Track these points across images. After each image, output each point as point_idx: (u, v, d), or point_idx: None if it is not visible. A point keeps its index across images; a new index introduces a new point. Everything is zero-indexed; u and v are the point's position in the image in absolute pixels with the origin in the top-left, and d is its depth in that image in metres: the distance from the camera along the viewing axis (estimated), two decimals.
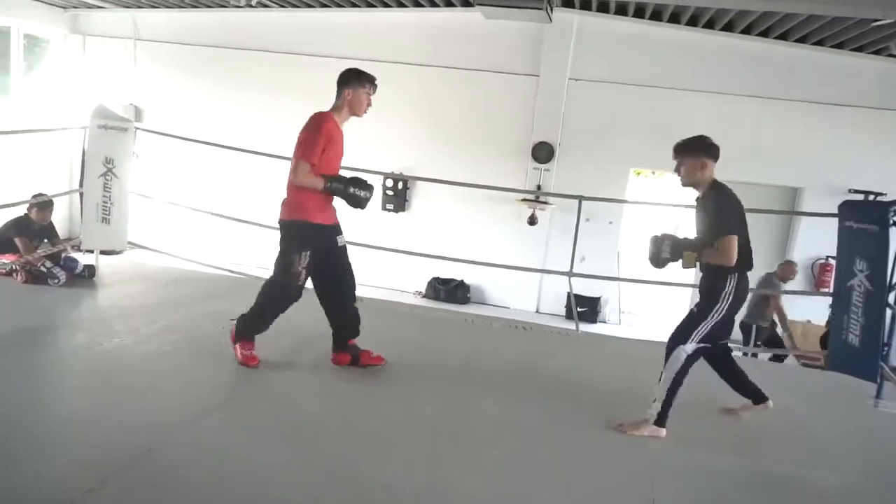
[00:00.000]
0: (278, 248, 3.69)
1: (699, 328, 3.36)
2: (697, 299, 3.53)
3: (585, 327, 9.13)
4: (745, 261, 3.38)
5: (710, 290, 3.41)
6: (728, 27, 8.73)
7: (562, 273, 5.19)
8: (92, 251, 5.59)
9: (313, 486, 2.64)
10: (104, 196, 5.43)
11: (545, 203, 9.51)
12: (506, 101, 9.75)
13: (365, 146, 9.89)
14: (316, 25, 10.12)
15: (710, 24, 8.80)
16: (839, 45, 8.55)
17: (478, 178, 8.60)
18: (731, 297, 3.37)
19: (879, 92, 8.77)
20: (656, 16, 8.92)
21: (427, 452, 3.01)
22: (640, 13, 8.97)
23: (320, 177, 3.58)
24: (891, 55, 7.94)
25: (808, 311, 8.73)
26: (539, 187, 9.42)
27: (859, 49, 8.50)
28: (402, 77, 9.92)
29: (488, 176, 9.08)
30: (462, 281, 10.00)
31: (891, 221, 4.02)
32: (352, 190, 3.69)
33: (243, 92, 10.48)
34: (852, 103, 8.87)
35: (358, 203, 3.77)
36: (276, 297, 3.71)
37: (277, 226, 3.72)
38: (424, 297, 10.05)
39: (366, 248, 6.46)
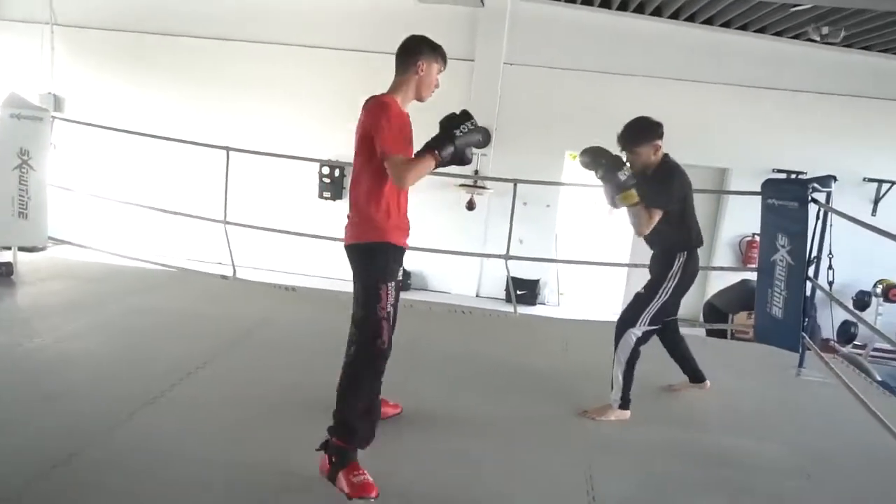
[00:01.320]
0: (355, 280, 2.69)
1: (647, 309, 3.35)
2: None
3: (524, 309, 9.23)
4: (695, 239, 3.42)
5: (656, 269, 3.43)
6: (657, 12, 8.91)
7: (498, 256, 5.22)
8: (9, 248, 5.30)
9: (244, 485, 2.58)
10: (20, 189, 5.14)
11: (483, 188, 9.55)
12: (441, 87, 9.57)
13: (299, 133, 9.74)
14: (244, 10, 9.83)
15: (639, 9, 8.96)
16: (761, 30, 8.85)
17: None
18: (678, 277, 3.36)
19: (799, 75, 9.11)
20: (588, 1, 9.03)
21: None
22: None
23: (418, 157, 2.67)
24: (809, 39, 8.25)
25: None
26: (476, 172, 9.44)
27: (780, 33, 8.82)
28: (335, 62, 9.76)
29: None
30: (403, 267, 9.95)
31: (809, 198, 4.19)
32: (464, 136, 2.70)
33: (167, 79, 10.09)
34: (774, 86, 9.19)
35: (478, 144, 2.82)
36: (370, 359, 2.63)
37: (346, 253, 2.76)
38: None
39: (304, 238, 6.36)
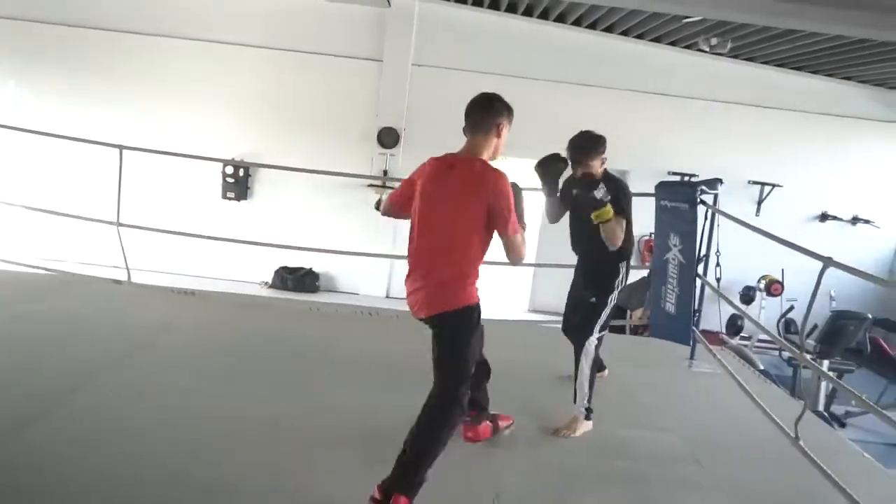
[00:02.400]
0: (448, 346, 2.70)
1: (600, 318, 3.48)
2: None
3: None
4: (631, 247, 3.65)
5: (604, 279, 3.53)
6: (561, 18, 9.17)
7: (405, 257, 5.20)
8: None
9: (146, 493, 2.46)
10: None
11: (392, 188, 9.51)
12: (350, 86, 9.60)
13: (201, 132, 9.37)
14: (145, 2, 9.38)
15: (544, 15, 9.20)
16: (657, 39, 9.29)
17: (323, 163, 8.41)
18: (622, 283, 3.57)
19: (691, 83, 9.63)
20: (494, 5, 9.18)
21: (271, 452, 2.89)
22: (478, 2, 9.18)
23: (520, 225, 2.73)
24: (700, 49, 8.73)
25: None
26: (385, 172, 9.41)
27: (674, 43, 9.29)
28: (240, 60, 9.46)
29: (334, 162, 8.91)
30: (310, 269, 9.78)
31: (698, 200, 4.43)
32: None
33: (55, 72, 9.47)
34: (669, 92, 9.67)
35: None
36: (453, 421, 2.66)
37: (441, 318, 2.72)
38: (271, 287, 9.72)
39: (205, 240, 6.13)
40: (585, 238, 3.59)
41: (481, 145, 2.81)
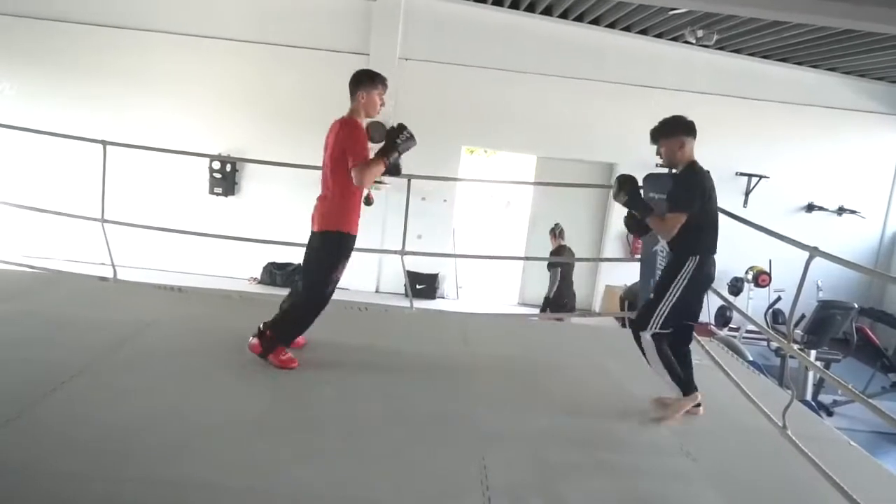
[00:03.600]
0: (315, 256, 3.70)
1: (656, 313, 3.38)
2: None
3: (424, 304, 9.28)
4: (709, 245, 3.41)
5: (667, 272, 3.43)
6: (547, 11, 9.16)
7: (394, 252, 5.20)
8: None
9: (125, 492, 2.43)
10: None
11: (380, 183, 9.45)
12: (337, 80, 9.43)
13: (188, 128, 9.30)
14: None
15: (531, 8, 9.19)
16: (644, 31, 9.30)
17: (311, 158, 8.35)
18: (686, 280, 3.35)
19: (678, 75, 9.66)
20: None
21: (254, 449, 2.87)
22: None
23: (371, 162, 3.57)
24: (686, 42, 8.75)
25: (625, 276, 9.51)
26: None
27: (660, 35, 9.30)
28: (227, 55, 9.41)
29: (321, 156, 8.88)
30: (299, 265, 9.69)
31: None
32: (399, 141, 3.66)
33: (36, 67, 9.36)
34: (656, 84, 9.70)
35: (412, 143, 3.73)
36: (315, 304, 3.69)
37: (313, 235, 3.73)
38: (260, 282, 9.69)
39: (192, 236, 6.08)
40: None
41: (352, 109, 3.76)
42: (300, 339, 3.88)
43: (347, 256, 3.75)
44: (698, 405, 3.55)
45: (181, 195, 9.50)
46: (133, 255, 8.21)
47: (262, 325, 3.66)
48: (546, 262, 8.21)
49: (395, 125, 3.74)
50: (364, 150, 3.59)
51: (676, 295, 3.37)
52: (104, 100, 9.33)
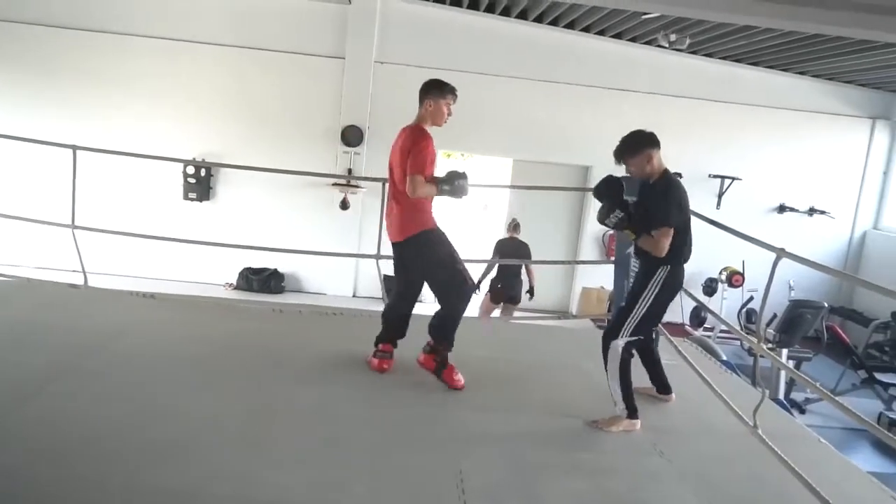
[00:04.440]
0: (423, 264, 3.73)
1: (628, 321, 3.39)
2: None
3: None
4: (679, 252, 3.39)
5: (639, 280, 3.45)
6: (522, 15, 9.22)
7: (369, 256, 5.19)
8: None
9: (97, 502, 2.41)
10: None
11: (357, 187, 9.47)
12: (312, 84, 9.51)
13: (161, 132, 9.19)
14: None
15: (506, 12, 9.24)
16: (618, 35, 9.39)
17: (287, 162, 8.33)
18: (657, 288, 3.37)
19: (651, 78, 9.76)
20: (456, 2, 9.18)
21: (233, 456, 2.85)
22: None
23: (427, 181, 3.61)
24: (659, 45, 8.85)
25: (600, 278, 9.60)
26: (350, 171, 9.36)
27: (634, 39, 9.40)
28: (202, 58, 9.31)
29: (297, 161, 8.84)
30: (275, 270, 9.68)
31: None
32: (457, 183, 3.68)
33: (4, 70, 9.20)
34: (630, 88, 9.79)
35: (464, 192, 3.73)
36: (465, 296, 3.73)
37: (401, 245, 3.74)
38: (236, 288, 9.60)
39: (167, 242, 6.02)
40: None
41: (419, 116, 3.82)
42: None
43: (447, 241, 3.76)
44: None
45: (155, 201, 9.39)
46: (105, 262, 8.11)
47: (429, 343, 3.81)
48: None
49: (461, 172, 3.74)
50: (425, 162, 3.60)
51: (648, 304, 3.39)
52: (76, 104, 9.19)
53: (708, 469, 3.21)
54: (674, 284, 3.44)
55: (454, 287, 3.69)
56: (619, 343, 3.38)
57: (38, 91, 9.19)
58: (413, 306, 3.92)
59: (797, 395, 7.47)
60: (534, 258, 8.30)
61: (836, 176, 10.47)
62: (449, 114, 3.84)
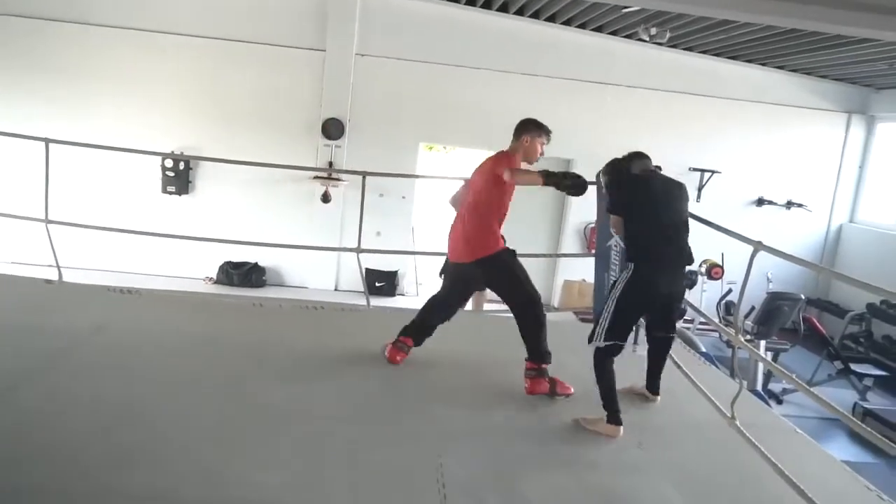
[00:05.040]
0: (496, 283, 3.83)
1: (600, 323, 3.33)
2: None
3: (383, 301, 9.24)
4: (644, 251, 3.34)
5: (613, 283, 3.43)
6: (503, 8, 9.20)
7: (350, 250, 5.17)
8: None
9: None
10: None
11: (338, 180, 9.41)
12: (293, 77, 9.43)
13: (140, 124, 9.06)
14: None
15: (487, 5, 9.21)
16: (598, 29, 9.40)
17: (267, 156, 8.27)
18: (620, 290, 3.31)
19: (632, 72, 9.79)
20: None
21: (208, 455, 2.82)
22: None
23: (530, 171, 3.70)
24: (640, 39, 8.88)
25: (582, 271, 9.63)
26: (331, 164, 9.30)
27: (615, 33, 9.42)
28: (179, 50, 9.18)
29: (278, 154, 8.78)
30: (256, 264, 9.60)
31: None
32: (569, 183, 3.56)
33: None
34: (611, 81, 9.82)
35: (583, 189, 3.59)
36: (539, 307, 3.75)
37: (475, 265, 3.77)
38: (216, 282, 9.52)
39: (145, 236, 5.94)
40: None
41: (512, 149, 3.86)
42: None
43: (515, 262, 3.81)
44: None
45: (132, 194, 9.26)
46: (82, 257, 7.99)
47: (527, 363, 3.73)
48: None
49: (574, 173, 3.64)
50: (516, 162, 3.77)
51: (613, 305, 3.34)
52: (51, 97, 9.03)
53: (686, 460, 3.24)
54: (640, 285, 3.33)
55: (530, 305, 3.74)
56: (595, 345, 3.36)
57: (10, 84, 9.01)
58: (450, 318, 3.96)
59: (775, 386, 7.56)
60: (516, 251, 8.32)
61: (813, 169, 10.59)
62: (542, 153, 3.92)
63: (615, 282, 3.43)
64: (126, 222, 6.28)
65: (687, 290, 4.52)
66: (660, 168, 3.78)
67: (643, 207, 3.46)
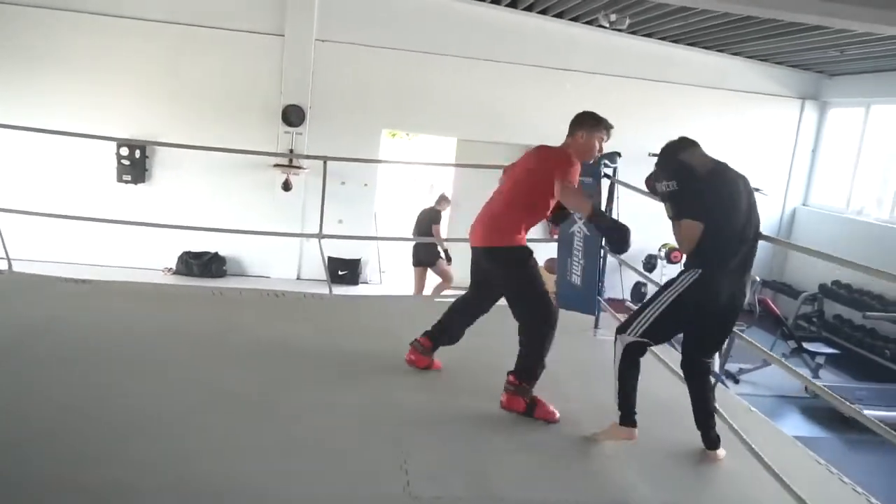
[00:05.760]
0: (507, 280, 3.44)
1: (640, 318, 3.02)
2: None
3: (346, 289, 9.21)
4: (711, 260, 2.95)
5: (668, 281, 3.09)
6: None
7: (311, 236, 5.12)
8: None
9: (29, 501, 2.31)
10: None
11: (299, 168, 9.31)
12: (252, 63, 9.27)
13: (95, 110, 8.79)
14: None
15: None
16: (560, 15, 9.43)
17: (226, 143, 8.10)
18: (676, 295, 2.98)
19: (593, 58, 9.87)
20: None
21: (169, 448, 2.77)
22: None
23: (584, 195, 3.37)
24: (600, 25, 8.94)
25: (543, 256, 9.69)
26: (292, 151, 9.18)
27: (575, 19, 9.46)
28: (137, 34, 8.93)
29: (237, 141, 8.58)
30: (216, 253, 9.46)
31: (601, 174, 4.57)
32: (614, 236, 3.18)
33: None
34: (572, 68, 9.88)
35: (619, 248, 3.22)
36: (549, 328, 3.39)
37: (486, 253, 3.46)
38: (175, 273, 9.35)
39: (101, 225, 5.78)
40: None
41: (566, 145, 3.49)
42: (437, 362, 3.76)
43: (534, 265, 3.45)
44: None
45: (87, 182, 9.02)
46: (34, 248, 7.76)
47: (509, 376, 3.37)
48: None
49: (623, 226, 3.21)
50: (575, 180, 3.35)
51: (664, 306, 2.99)
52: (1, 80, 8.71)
53: (648, 441, 3.29)
54: (699, 298, 2.96)
55: (537, 318, 3.38)
56: (625, 339, 3.03)
57: None
58: (473, 321, 3.69)
59: (731, 367, 7.76)
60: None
61: (769, 154, 10.84)
62: (600, 150, 3.56)
63: (673, 280, 3.04)
64: (80, 211, 6.11)
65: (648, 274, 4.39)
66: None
67: (724, 207, 3.02)
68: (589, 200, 3.29)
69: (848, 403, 3.10)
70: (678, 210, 3.06)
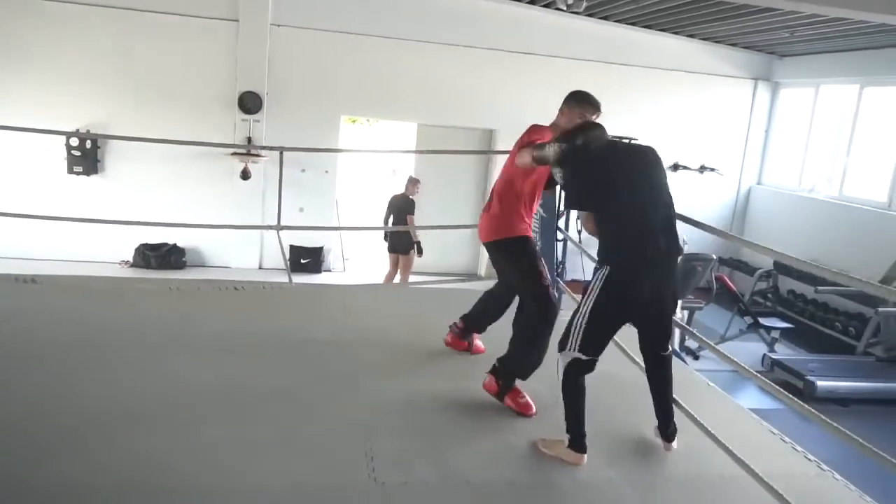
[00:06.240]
0: (508, 266, 3.43)
1: (573, 330, 2.77)
2: None
3: (309, 278, 9.14)
4: (618, 247, 2.75)
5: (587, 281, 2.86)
6: None
7: (269, 227, 5.05)
8: None
9: None
10: None
11: (258, 156, 9.16)
12: (205, 49, 9.06)
13: (41, 101, 8.50)
14: None
15: None
16: None
17: (181, 132, 7.97)
18: (594, 297, 2.73)
19: (551, 42, 9.89)
20: None
21: (129, 444, 2.72)
22: None
23: (547, 146, 2.95)
24: (558, 8, 8.94)
25: None
26: (250, 140, 9.02)
27: (533, 2, 9.47)
28: (86, 20, 8.64)
29: (192, 130, 8.46)
30: (175, 244, 9.28)
31: None
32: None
33: None
34: (532, 52, 9.89)
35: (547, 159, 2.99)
36: (543, 324, 3.27)
37: (488, 246, 3.44)
38: (133, 266, 9.15)
39: (51, 220, 5.61)
40: None
41: (553, 122, 3.35)
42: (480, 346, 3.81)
43: (537, 256, 3.37)
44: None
45: (35, 175, 8.74)
46: None
47: (497, 362, 3.33)
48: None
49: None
50: (544, 138, 3.13)
51: (586, 315, 2.76)
52: None
53: (607, 417, 3.35)
54: (617, 290, 2.73)
55: (533, 311, 3.30)
56: (567, 356, 2.80)
57: None
58: (502, 311, 3.67)
59: (691, 343, 7.94)
60: (441, 222, 8.41)
61: (724, 135, 11.05)
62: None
63: (589, 284, 2.81)
64: (29, 206, 5.93)
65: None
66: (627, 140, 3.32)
67: (608, 191, 2.79)
68: (544, 145, 2.95)
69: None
70: (569, 201, 3.09)
